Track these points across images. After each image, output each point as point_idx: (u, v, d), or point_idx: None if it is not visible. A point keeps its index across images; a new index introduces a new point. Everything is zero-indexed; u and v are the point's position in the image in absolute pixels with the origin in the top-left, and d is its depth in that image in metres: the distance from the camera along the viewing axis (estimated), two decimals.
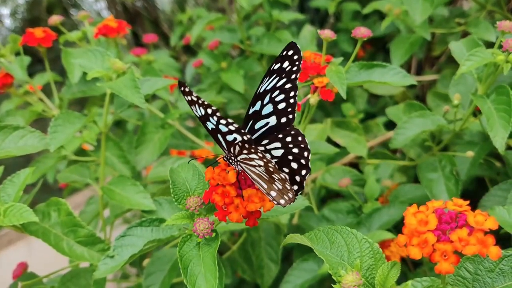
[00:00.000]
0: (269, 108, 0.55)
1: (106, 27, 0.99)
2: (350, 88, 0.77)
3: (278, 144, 0.54)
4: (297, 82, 0.54)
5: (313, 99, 0.72)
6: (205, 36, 1.47)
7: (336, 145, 0.95)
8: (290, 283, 0.87)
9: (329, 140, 0.97)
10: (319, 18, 1.84)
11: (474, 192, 1.09)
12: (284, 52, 0.54)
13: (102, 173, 0.86)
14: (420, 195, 0.95)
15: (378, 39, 1.50)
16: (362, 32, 0.71)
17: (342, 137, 0.98)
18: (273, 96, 0.54)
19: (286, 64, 0.53)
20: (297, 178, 0.53)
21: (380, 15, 1.47)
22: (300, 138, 0.53)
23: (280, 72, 0.54)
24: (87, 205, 1.01)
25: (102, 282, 0.74)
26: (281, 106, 0.54)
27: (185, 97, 0.49)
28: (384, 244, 0.88)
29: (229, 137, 0.51)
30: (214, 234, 0.56)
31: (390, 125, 1.19)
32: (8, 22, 3.28)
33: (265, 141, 0.55)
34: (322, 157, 1.08)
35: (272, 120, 0.55)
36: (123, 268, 1.01)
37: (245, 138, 0.50)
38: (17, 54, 0.98)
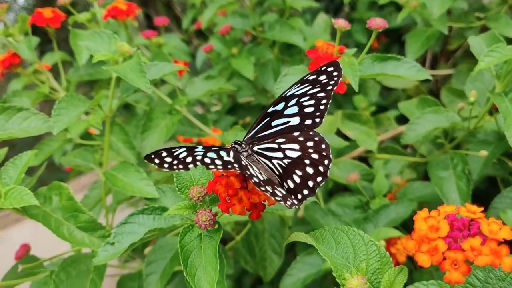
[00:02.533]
0: (293, 110, 0.56)
1: (116, 9, 0.97)
2: (362, 80, 0.75)
3: (295, 146, 0.54)
4: (332, 94, 0.55)
5: None
6: (217, 21, 1.44)
7: (345, 137, 0.93)
8: (293, 276, 0.86)
9: (339, 133, 0.95)
10: (334, 7, 1.81)
11: (484, 191, 1.07)
12: (324, 68, 0.55)
13: (105, 158, 0.85)
14: (429, 193, 0.93)
15: (394, 30, 1.47)
16: (377, 23, 0.69)
17: (352, 130, 0.96)
18: (301, 100, 0.56)
19: (323, 77, 0.55)
20: (310, 183, 0.52)
21: (397, 6, 1.44)
22: (323, 146, 0.53)
23: (314, 83, 0.55)
24: (91, 190, 1.00)
25: (102, 268, 0.73)
26: (309, 110, 0.55)
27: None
28: (390, 241, 0.87)
29: None
30: (216, 226, 0.55)
31: (402, 119, 1.16)
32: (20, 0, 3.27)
33: (281, 140, 0.55)
34: (331, 150, 1.06)
35: (295, 121, 0.55)
36: (126, 254, 1.01)
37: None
38: (27, 33, 0.96)
